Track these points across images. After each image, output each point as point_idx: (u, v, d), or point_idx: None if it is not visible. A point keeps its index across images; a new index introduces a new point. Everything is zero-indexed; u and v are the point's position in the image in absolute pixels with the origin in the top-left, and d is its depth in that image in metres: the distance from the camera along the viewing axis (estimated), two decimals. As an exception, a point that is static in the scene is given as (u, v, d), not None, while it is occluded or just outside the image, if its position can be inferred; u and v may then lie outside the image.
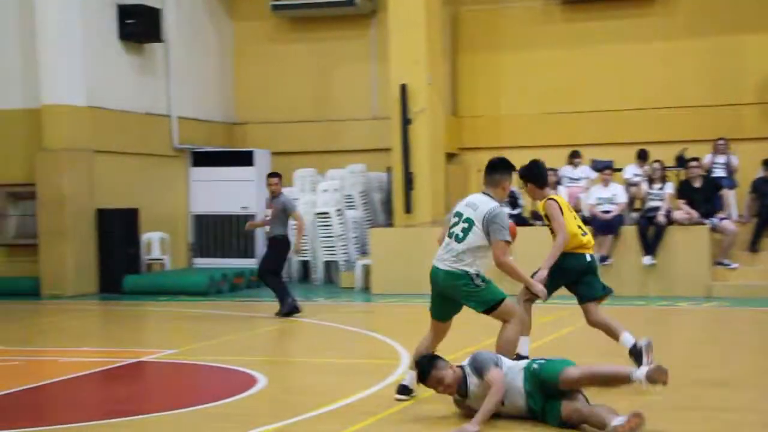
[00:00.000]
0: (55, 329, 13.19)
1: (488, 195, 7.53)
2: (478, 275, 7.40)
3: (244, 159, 19.74)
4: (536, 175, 8.48)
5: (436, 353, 7.37)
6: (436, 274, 7.53)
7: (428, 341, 7.68)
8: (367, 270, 17.16)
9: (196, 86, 20.39)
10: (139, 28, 18.23)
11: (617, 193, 16.08)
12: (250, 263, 19.16)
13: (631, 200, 16.47)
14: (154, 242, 18.53)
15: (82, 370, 9.60)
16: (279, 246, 13.51)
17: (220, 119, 21.07)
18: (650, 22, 18.99)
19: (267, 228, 13.65)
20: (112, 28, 18.10)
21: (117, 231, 17.39)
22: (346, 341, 11.42)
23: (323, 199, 18.88)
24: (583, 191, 16.75)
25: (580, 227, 8.50)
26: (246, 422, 7.08)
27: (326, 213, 18.46)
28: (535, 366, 6.93)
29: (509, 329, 7.50)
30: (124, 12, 18.14)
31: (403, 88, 17.31)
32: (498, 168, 7.59)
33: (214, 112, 20.94)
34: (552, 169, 16.72)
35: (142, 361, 10.11)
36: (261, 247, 19.63)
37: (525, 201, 16.98)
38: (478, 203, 7.50)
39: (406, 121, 17.34)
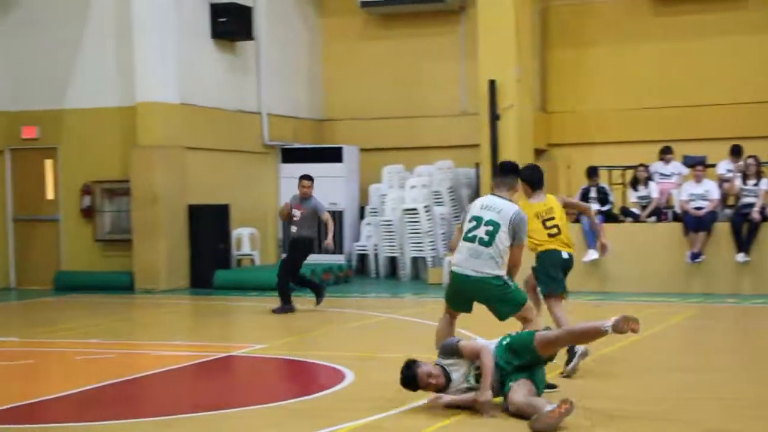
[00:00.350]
0: (148, 323, 13.41)
1: (502, 197, 7.62)
2: (509, 278, 7.56)
3: (332, 155, 19.79)
4: (535, 180, 8.81)
5: (410, 359, 7.38)
6: (464, 281, 7.56)
7: (447, 325, 7.82)
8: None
9: (286, 83, 20.53)
10: (231, 26, 18.44)
11: (710, 189, 15.69)
12: (339, 259, 19.22)
13: (724, 196, 16.06)
14: (244, 238, 18.72)
15: (173, 363, 9.73)
16: (305, 247, 13.84)
17: (309, 116, 21.18)
18: (742, 15, 18.49)
19: (294, 228, 13.85)
20: (205, 26, 18.33)
21: (208, 227, 17.61)
22: (433, 337, 11.35)
23: (411, 195, 18.87)
24: (675, 187, 16.39)
25: (549, 231, 8.84)
26: (333, 417, 7.07)
27: (414, 209, 18.43)
28: (507, 340, 7.19)
29: (532, 327, 7.64)
30: (216, 11, 18.37)
31: (492, 84, 17.22)
32: (513, 171, 7.80)
33: (303, 109, 21.05)
34: (643, 165, 16.42)
35: (232, 356, 10.18)
36: (350, 243, 19.70)
37: (614, 197, 16.70)
38: (500, 206, 7.55)
39: (494, 117, 17.25)
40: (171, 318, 14.05)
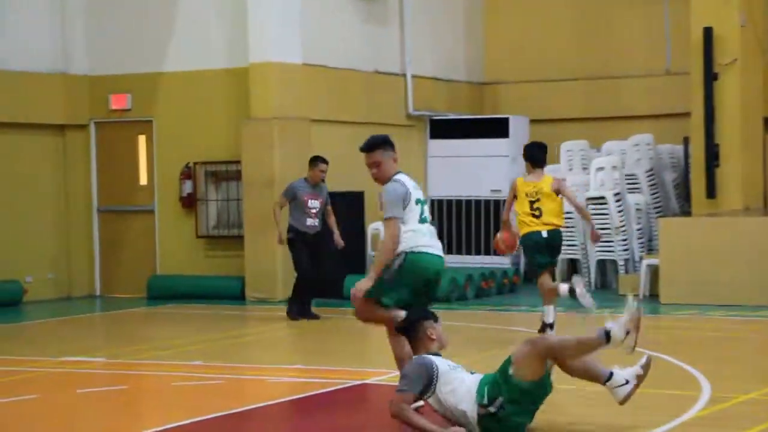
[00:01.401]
0: (262, 341, 13.55)
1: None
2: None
3: (495, 128, 19.73)
4: (534, 159, 12.54)
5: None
6: (441, 264, 8.82)
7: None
8: (654, 272, 16.73)
9: (437, 38, 20.49)
10: (366, -35, 18.54)
11: None
12: (503, 263, 19.07)
13: None
14: (382, 234, 18.73)
15: (292, 393, 9.80)
16: (326, 245, 15.01)
17: (465, 78, 21.10)
18: None
19: (312, 222, 14.91)
20: (334, -33, 18.52)
21: (337, 220, 17.68)
22: (628, 361, 11.10)
23: (598, 180, 18.61)
24: None
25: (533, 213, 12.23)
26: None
27: (601, 198, 18.16)
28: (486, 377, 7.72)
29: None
30: (347, -54, 18.52)
31: (708, 34, 16.93)
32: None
33: (459, 70, 20.98)
34: None
35: (366, 384, 10.18)
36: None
37: None
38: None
39: (710, 77, 16.97)
40: (290, 335, 14.18)
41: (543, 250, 12.50)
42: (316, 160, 15.26)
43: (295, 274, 15.21)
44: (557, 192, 12.33)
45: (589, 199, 18.25)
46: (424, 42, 20.10)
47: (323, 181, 15.20)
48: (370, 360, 12.27)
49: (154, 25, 18.29)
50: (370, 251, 18.57)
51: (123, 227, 18.84)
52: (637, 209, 18.56)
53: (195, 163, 18.24)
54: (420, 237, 8.74)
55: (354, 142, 18.54)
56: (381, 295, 8.64)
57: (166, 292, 17.86)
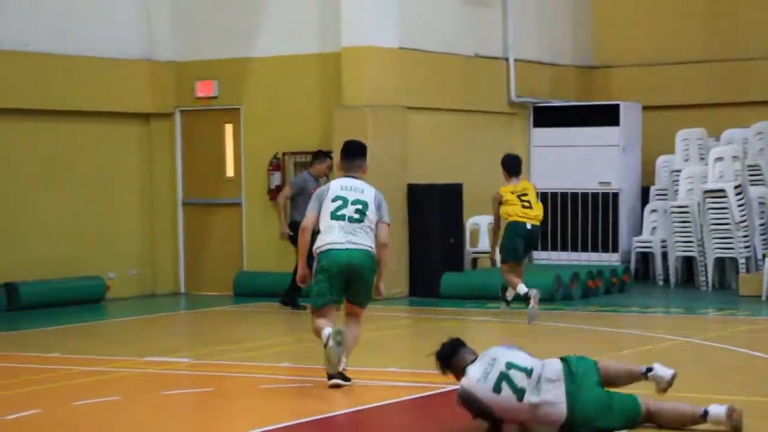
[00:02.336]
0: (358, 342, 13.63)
1: (358, 178, 10.62)
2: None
3: (605, 116, 19.64)
4: (511, 169, 15.33)
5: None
6: (346, 256, 10.30)
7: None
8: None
9: (542, 19, 20.46)
10: (466, -58, 18.57)
11: None
12: (613, 260, 18.97)
13: None
14: (481, 230, 18.78)
15: (385, 397, 9.85)
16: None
17: (572, 62, 21.03)
18: None
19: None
20: (432, -56, 18.56)
21: (433, 214, 17.75)
22: (750, 372, 11.03)
23: (716, 171, 18.46)
24: None
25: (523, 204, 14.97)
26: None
27: (720, 191, 18.00)
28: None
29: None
30: None
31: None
32: (362, 152, 10.78)
33: (565, 53, 20.91)
34: None
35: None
36: (627, 237, 19.42)
37: None
38: (362, 186, 10.56)
39: None
40: (383, 337, 14.25)
41: (523, 242, 15.13)
42: (324, 156, 16.17)
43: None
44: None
45: (706, 192, 18.09)
46: (528, 23, 20.06)
47: (327, 177, 15.86)
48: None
49: (243, 8, 18.50)
50: (469, 248, 18.58)
51: (208, 221, 19.09)
52: (761, 203, 18.40)
53: (284, 154, 18.41)
54: (327, 235, 10.28)
55: (452, 130, 18.80)
56: (313, 296, 10.48)
57: (253, 290, 18.02)
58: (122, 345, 13.44)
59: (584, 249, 19.50)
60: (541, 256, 19.61)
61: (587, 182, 19.55)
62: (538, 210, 15.18)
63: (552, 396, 7.87)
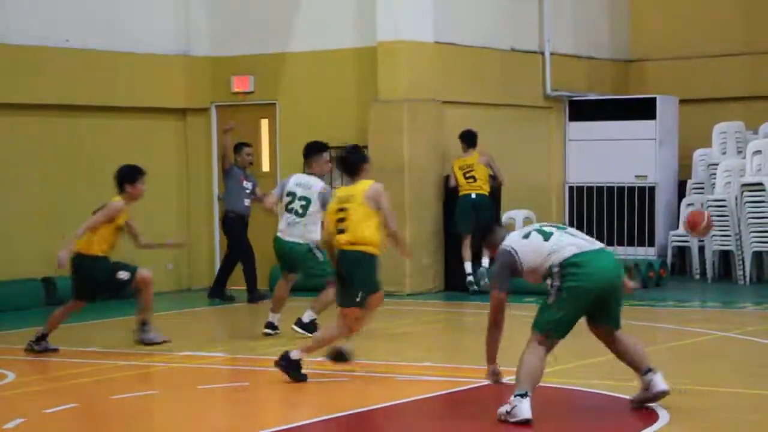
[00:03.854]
0: (393, 336, 13.68)
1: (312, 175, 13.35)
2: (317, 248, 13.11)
3: (642, 110, 19.60)
4: (468, 141, 17.03)
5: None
6: (282, 246, 13.31)
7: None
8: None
9: (578, 12, 20.40)
10: (501, -64, 18.55)
11: None
12: (649, 254, 18.92)
13: None
14: (517, 223, 18.74)
15: (419, 392, 9.89)
16: None
17: (609, 56, 20.97)
18: None
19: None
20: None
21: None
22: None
23: (755, 165, 18.41)
24: None
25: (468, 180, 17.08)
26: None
27: (758, 184, 17.93)
28: None
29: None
30: None
31: None
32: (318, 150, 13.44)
33: (602, 47, 20.85)
34: None
35: (491, 385, 10.23)
36: (664, 231, 19.36)
37: None
38: (310, 182, 13.23)
39: None
40: (422, 330, 14.28)
41: (470, 214, 16.98)
42: (244, 146, 17.00)
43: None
44: (487, 165, 17.35)
45: (744, 185, 18.01)
46: (564, 16, 20.01)
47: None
48: (501, 359, 12.32)
49: (278, 3, 18.53)
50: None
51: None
52: (798, 196, 18.31)
53: (320, 148, 18.42)
54: (280, 223, 13.12)
55: (489, 124, 18.78)
56: None
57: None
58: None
59: (620, 243, 19.45)
60: (576, 251, 19.56)
61: (623, 176, 19.51)
62: (481, 180, 17.22)
63: (575, 247, 8.59)
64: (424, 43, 17.62)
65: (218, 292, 17.19)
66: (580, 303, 8.54)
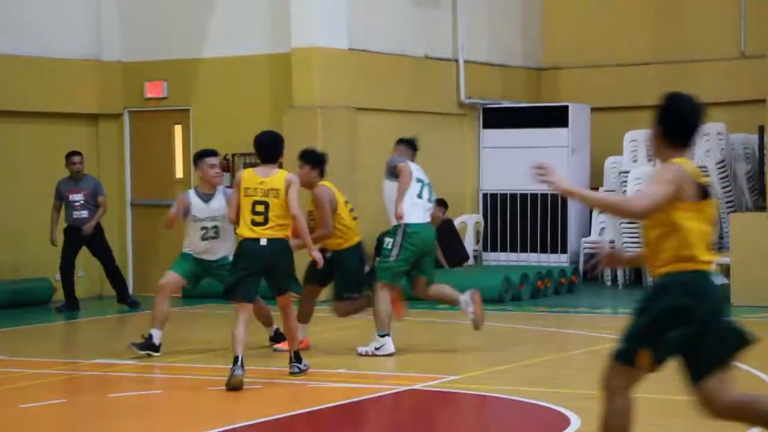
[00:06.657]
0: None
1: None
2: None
3: (554, 117, 19.71)
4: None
5: None
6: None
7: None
8: (724, 272, 16.64)
9: (492, 20, 20.49)
10: (415, -56, 18.59)
11: None
12: (561, 261, 19.04)
13: None
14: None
15: (332, 399, 9.85)
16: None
17: (522, 64, 21.07)
18: None
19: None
20: (382, -54, 18.57)
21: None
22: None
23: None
24: None
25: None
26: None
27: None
28: None
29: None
30: (395, -77, 18.56)
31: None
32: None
33: (515, 55, 20.95)
34: None
35: (413, 390, 10.26)
36: (576, 238, 19.49)
37: None
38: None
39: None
40: (338, 338, 14.24)
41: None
42: (72, 155, 16.79)
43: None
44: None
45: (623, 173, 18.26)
46: (478, 25, 20.07)
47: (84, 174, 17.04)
48: (416, 365, 12.33)
49: (192, 9, 18.41)
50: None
51: (158, 222, 18.94)
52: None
53: (234, 155, 18.34)
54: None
55: (402, 131, 18.71)
56: None
57: (202, 291, 17.86)
58: (69, 347, 13.34)
59: (533, 250, 19.56)
60: (490, 257, 19.68)
61: (537, 183, 19.52)
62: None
63: None
64: (338, 49, 17.60)
65: (123, 298, 17.18)
66: None
